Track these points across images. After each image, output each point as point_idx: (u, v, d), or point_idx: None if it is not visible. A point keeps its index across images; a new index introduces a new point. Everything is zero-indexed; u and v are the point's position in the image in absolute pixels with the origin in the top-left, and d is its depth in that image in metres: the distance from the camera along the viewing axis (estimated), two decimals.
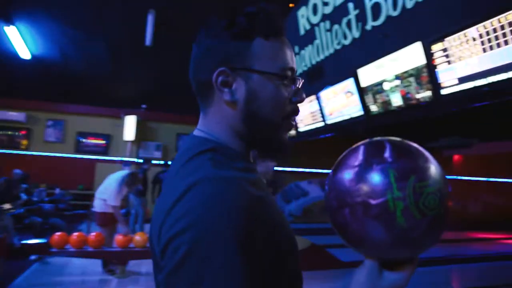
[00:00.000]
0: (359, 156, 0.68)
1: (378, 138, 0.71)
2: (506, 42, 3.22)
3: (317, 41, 6.05)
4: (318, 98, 6.13)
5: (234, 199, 0.60)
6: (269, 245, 0.62)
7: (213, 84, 0.73)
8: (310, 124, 6.68)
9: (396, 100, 4.47)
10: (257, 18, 0.72)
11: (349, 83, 5.18)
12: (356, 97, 5.13)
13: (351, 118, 5.39)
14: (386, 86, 4.59)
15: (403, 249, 0.66)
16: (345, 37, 5.34)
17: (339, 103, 5.62)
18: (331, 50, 5.71)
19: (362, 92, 5.01)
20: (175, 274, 0.57)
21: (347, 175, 0.67)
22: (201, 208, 0.58)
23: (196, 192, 0.60)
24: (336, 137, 11.65)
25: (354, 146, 0.73)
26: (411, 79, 4.20)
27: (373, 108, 4.88)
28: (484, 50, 3.41)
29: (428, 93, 4.03)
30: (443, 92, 3.86)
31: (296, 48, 6.76)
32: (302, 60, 6.59)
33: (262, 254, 0.60)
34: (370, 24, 4.84)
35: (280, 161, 11.74)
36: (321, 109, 6.15)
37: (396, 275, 0.67)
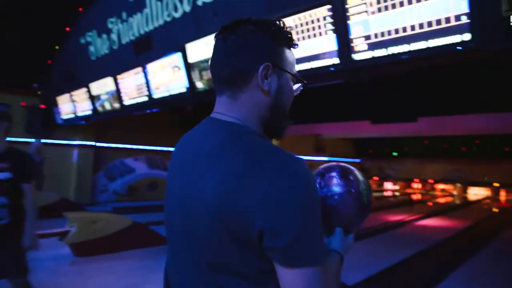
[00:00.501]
0: (336, 168, 1.12)
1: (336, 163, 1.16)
2: (315, 35, 3.59)
3: (146, 10, 5.70)
4: (144, 71, 5.82)
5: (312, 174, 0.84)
6: None
7: (255, 74, 0.89)
8: (136, 98, 6.32)
9: None
10: (287, 31, 0.94)
11: (177, 57, 5.06)
12: (183, 72, 5.05)
13: (177, 94, 5.30)
14: None
15: (361, 219, 1.10)
16: (175, 10, 5.17)
17: (165, 77, 5.44)
18: (161, 22, 5.46)
19: (189, 67, 4.96)
20: (300, 237, 0.76)
21: (335, 177, 1.09)
22: (308, 184, 0.79)
23: (291, 171, 0.78)
24: (162, 113, 11.47)
25: (326, 165, 1.15)
26: None
27: (199, 84, 4.89)
28: (298, 40, 3.74)
29: None
30: None
31: (124, 15, 6.25)
32: (129, 28, 6.13)
33: None
34: (201, 0, 4.79)
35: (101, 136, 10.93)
36: (147, 83, 5.86)
37: (350, 238, 1.08)
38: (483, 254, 6.43)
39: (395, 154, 19.43)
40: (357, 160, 20.75)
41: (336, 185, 1.07)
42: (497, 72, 6.95)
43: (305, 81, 1.01)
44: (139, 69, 5.88)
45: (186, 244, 0.89)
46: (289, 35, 0.95)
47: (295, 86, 1.00)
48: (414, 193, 19.31)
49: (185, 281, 0.90)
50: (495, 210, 13.33)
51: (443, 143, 17.89)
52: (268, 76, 0.90)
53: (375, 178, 21.32)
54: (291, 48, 0.98)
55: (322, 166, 1.15)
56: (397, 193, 19.32)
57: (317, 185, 1.08)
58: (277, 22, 0.94)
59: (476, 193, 18.72)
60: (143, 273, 4.41)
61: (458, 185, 19.14)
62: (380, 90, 7.58)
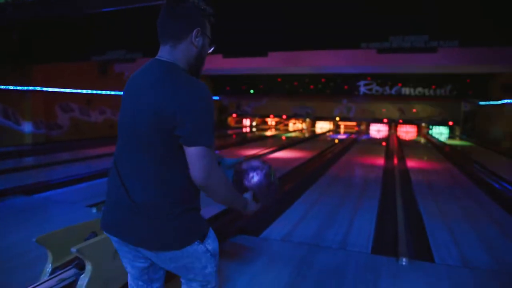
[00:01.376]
0: (256, 161, 1.68)
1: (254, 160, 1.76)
2: None
3: None
4: None
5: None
6: None
7: (191, 34, 1.40)
8: None
9: None
10: (210, 11, 1.47)
11: None
12: None
13: None
14: None
15: (268, 193, 1.64)
16: None
17: None
18: None
19: None
20: (199, 129, 1.29)
21: (255, 164, 1.65)
22: (207, 98, 1.34)
23: (201, 91, 1.33)
24: None
25: (259, 163, 1.71)
26: None
27: None
28: None
29: None
30: None
31: None
32: None
33: None
34: None
35: None
36: None
37: (256, 204, 1.62)
38: (326, 177, 7.07)
39: (252, 91, 19.99)
40: (216, 98, 20.81)
41: (257, 168, 1.63)
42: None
43: (214, 45, 1.53)
44: None
45: (132, 139, 1.37)
46: (211, 14, 1.47)
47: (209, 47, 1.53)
48: (270, 128, 20.48)
49: (132, 162, 1.38)
50: (336, 141, 14.97)
51: (294, 81, 19.04)
52: (198, 37, 1.42)
53: (234, 115, 21.84)
54: (210, 21, 1.49)
55: (255, 162, 1.67)
56: (254, 129, 20.21)
57: (250, 173, 1.62)
58: (205, 5, 1.44)
59: (322, 126, 20.80)
60: None
61: (307, 120, 20.92)
62: (232, 24, 7.27)
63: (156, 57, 1.42)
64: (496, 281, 2.95)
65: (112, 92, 13.64)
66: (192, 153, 1.28)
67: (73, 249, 1.88)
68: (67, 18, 7.48)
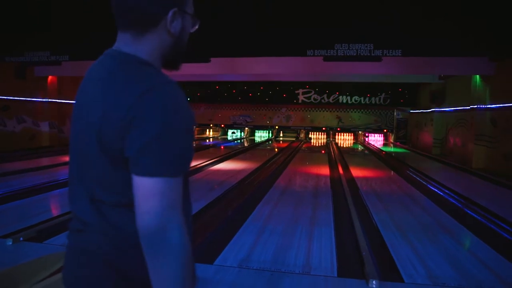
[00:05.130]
0: None
1: None
2: None
3: None
4: None
5: (183, 97, 0.90)
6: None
7: (164, 17, 0.92)
8: None
9: None
10: None
11: None
12: None
13: None
14: None
15: None
16: None
17: None
18: None
19: None
20: (150, 147, 0.81)
21: None
22: (175, 103, 0.86)
23: (166, 93, 0.86)
24: None
25: None
26: None
27: None
28: None
29: None
30: None
31: None
32: None
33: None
34: None
35: None
36: None
37: None
38: (274, 189, 6.72)
39: (188, 99, 19.32)
40: None
41: None
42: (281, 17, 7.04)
43: (199, 20, 1.05)
44: None
45: (75, 160, 0.97)
46: None
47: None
48: (209, 138, 19.93)
49: (74, 192, 0.97)
50: (276, 150, 14.83)
51: (232, 88, 18.71)
52: (175, 20, 0.95)
53: None
54: None
55: None
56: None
57: None
58: None
59: (261, 135, 20.66)
60: None
61: (246, 128, 20.67)
62: None
63: (113, 47, 0.97)
64: None
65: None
66: (142, 185, 0.82)
67: None
68: None
